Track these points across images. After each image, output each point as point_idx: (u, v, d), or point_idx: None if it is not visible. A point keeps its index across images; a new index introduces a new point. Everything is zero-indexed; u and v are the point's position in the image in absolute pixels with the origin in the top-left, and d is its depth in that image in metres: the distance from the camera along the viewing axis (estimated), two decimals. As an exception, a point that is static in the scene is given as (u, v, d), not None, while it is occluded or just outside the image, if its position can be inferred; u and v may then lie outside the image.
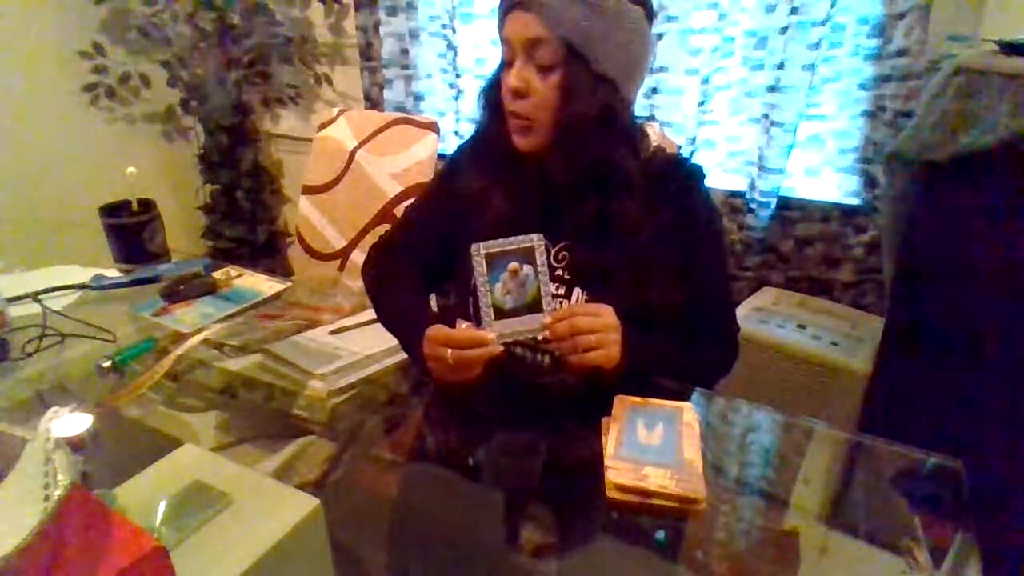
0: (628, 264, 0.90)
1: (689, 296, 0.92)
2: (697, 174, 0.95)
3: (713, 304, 0.98)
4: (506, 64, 0.89)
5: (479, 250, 0.83)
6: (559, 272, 0.94)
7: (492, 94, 0.93)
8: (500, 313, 0.84)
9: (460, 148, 1.06)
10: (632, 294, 0.88)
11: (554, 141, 0.89)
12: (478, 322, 0.86)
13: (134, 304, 1.16)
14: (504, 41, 0.87)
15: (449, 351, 0.81)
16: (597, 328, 0.82)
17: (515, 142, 0.90)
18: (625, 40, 0.86)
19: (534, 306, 0.84)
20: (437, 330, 0.84)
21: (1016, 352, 1.17)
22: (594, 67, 0.84)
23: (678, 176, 0.94)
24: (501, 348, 0.83)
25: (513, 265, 0.83)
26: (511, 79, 0.86)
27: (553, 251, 0.95)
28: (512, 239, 0.83)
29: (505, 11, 0.86)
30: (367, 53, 2.17)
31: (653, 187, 0.90)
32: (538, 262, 0.83)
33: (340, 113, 1.75)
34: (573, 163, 0.89)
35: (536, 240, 0.83)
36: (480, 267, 0.83)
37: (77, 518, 0.43)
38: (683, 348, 0.93)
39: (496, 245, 0.83)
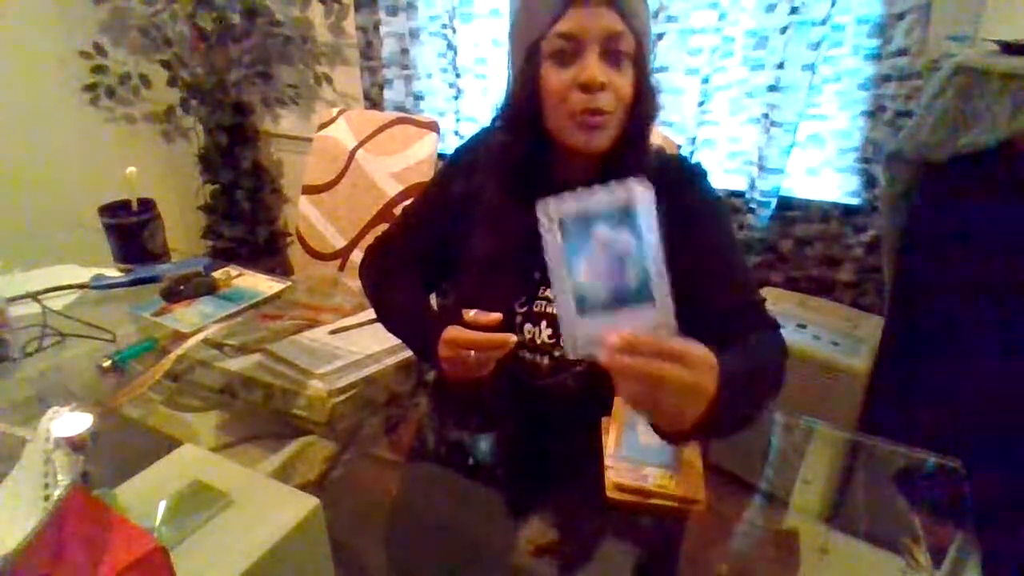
0: None
1: (708, 290, 0.84)
2: (698, 171, 0.94)
3: (740, 290, 0.88)
4: (560, 61, 0.82)
5: (550, 211, 0.58)
6: None
7: (521, 97, 0.86)
8: (585, 306, 0.58)
9: (461, 150, 1.04)
10: None
11: (618, 140, 0.86)
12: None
13: (134, 304, 1.16)
14: (565, 35, 0.81)
15: (472, 353, 0.78)
16: (686, 384, 0.58)
17: (584, 143, 0.84)
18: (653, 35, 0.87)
19: (639, 294, 0.57)
20: (456, 332, 0.80)
21: (1016, 352, 1.17)
22: (649, 61, 0.85)
23: (680, 174, 0.93)
24: (515, 340, 0.77)
25: (603, 232, 0.58)
26: (592, 72, 0.80)
27: None
28: (596, 192, 0.57)
29: (567, 3, 0.80)
30: (367, 53, 2.17)
31: (657, 187, 0.89)
32: (642, 224, 0.56)
33: (340, 113, 1.75)
34: (639, 159, 0.86)
35: (637, 188, 0.57)
36: (553, 237, 0.58)
37: (77, 518, 0.43)
38: (756, 356, 0.79)
39: (573, 201, 0.57)
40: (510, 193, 0.90)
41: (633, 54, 0.82)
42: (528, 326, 0.90)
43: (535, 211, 0.89)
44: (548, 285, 0.92)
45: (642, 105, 0.84)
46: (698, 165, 0.94)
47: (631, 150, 0.86)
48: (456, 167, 1.01)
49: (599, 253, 0.57)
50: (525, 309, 0.91)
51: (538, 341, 0.90)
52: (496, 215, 0.92)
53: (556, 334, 0.89)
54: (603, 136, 0.84)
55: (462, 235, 0.96)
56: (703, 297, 0.83)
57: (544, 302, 0.91)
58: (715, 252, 0.88)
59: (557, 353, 0.89)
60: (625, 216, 0.57)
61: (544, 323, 0.89)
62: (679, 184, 0.90)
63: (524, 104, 0.86)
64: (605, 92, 0.81)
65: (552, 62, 0.83)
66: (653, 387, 0.57)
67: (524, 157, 0.89)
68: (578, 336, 0.58)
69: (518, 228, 0.90)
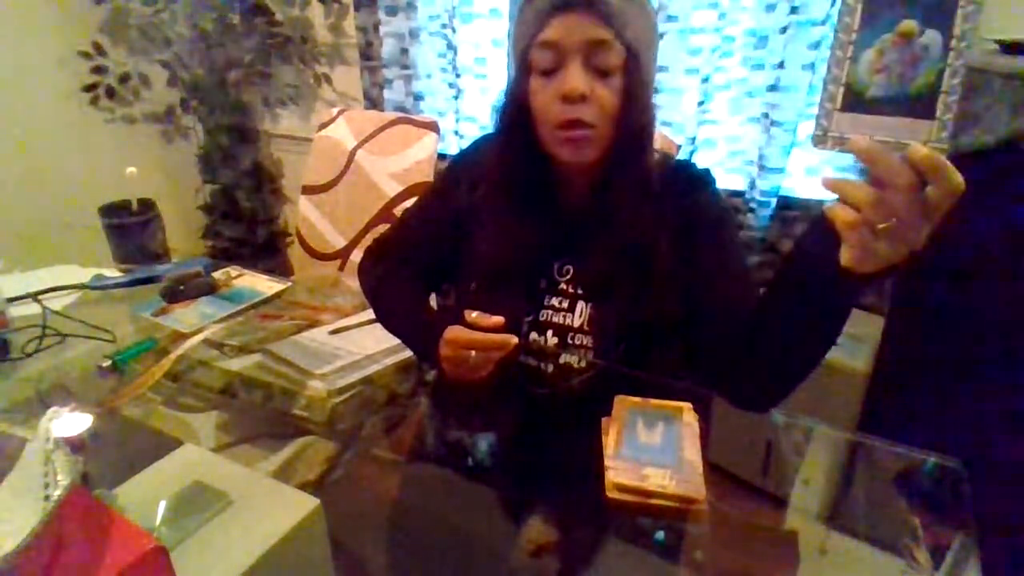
0: (635, 276, 0.86)
1: (713, 296, 0.85)
2: (707, 179, 0.92)
3: (744, 299, 0.87)
4: (544, 71, 0.81)
5: None
6: (563, 286, 0.91)
7: (513, 109, 0.86)
8: (856, 102, 0.50)
9: (461, 156, 1.03)
10: (637, 306, 0.85)
11: (609, 153, 0.84)
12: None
13: (134, 304, 1.16)
14: (547, 44, 0.79)
15: (473, 353, 0.79)
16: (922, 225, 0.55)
17: (568, 156, 0.83)
18: (657, 47, 0.85)
19: (917, 103, 0.49)
20: (457, 332, 0.80)
21: (1016, 352, 1.17)
22: (644, 72, 0.82)
23: (689, 182, 0.91)
24: (515, 341, 0.79)
25: (907, 25, 0.48)
26: (572, 81, 0.77)
27: (556, 265, 0.91)
28: None
29: (551, 12, 0.78)
30: (367, 53, 2.17)
31: (662, 195, 0.87)
32: (961, 25, 0.47)
33: (340, 113, 1.75)
34: (632, 174, 0.84)
35: None
36: (852, 18, 0.50)
37: (77, 518, 0.43)
38: None
39: None
40: (512, 209, 0.90)
41: (623, 65, 0.79)
42: (534, 335, 0.90)
43: (538, 226, 0.88)
44: (554, 294, 0.91)
45: (631, 117, 0.81)
46: (707, 172, 0.92)
47: (628, 165, 0.84)
48: (456, 175, 1.00)
49: (895, 45, 0.49)
50: (531, 318, 0.90)
51: (543, 348, 0.90)
52: (499, 233, 0.91)
53: (562, 342, 0.89)
54: (589, 150, 0.83)
55: (463, 245, 0.95)
56: (707, 303, 0.83)
57: (549, 311, 0.90)
58: (721, 261, 0.87)
59: (562, 360, 0.89)
60: (942, 8, 0.47)
61: (550, 332, 0.89)
62: (687, 192, 0.89)
63: (516, 117, 0.85)
64: (587, 104, 0.79)
65: (538, 73, 0.82)
66: (906, 211, 0.53)
67: (522, 173, 0.88)
68: (832, 129, 0.51)
69: (521, 246, 0.89)
